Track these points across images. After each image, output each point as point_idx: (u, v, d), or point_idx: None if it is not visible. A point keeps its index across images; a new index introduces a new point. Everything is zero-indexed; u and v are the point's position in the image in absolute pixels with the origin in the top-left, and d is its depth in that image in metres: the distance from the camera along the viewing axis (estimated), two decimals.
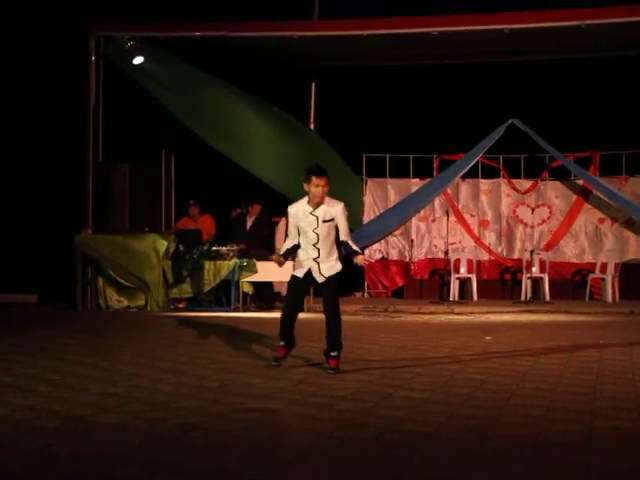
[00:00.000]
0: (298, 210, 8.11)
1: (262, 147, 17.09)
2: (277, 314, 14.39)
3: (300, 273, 8.19)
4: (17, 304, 15.59)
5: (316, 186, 7.98)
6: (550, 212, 18.28)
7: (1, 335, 11.06)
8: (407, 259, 18.54)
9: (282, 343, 8.23)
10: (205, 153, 16.58)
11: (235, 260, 15.11)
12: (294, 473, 4.50)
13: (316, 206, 8.04)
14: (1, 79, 17.61)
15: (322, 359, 8.22)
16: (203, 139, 16.24)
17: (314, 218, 8.03)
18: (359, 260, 8.19)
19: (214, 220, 16.64)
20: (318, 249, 8.06)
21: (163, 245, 15.23)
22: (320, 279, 8.15)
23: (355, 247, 8.23)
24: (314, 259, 8.09)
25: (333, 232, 8.10)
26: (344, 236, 8.14)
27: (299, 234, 8.15)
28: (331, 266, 8.12)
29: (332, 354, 8.05)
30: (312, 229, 8.03)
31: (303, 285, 8.32)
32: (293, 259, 8.42)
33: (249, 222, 16.38)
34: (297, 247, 8.24)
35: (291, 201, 8.44)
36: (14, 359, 8.63)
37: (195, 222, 16.38)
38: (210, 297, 15.46)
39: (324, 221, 8.03)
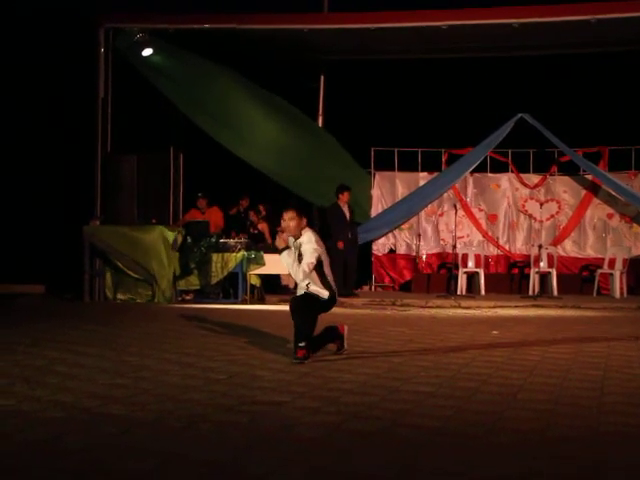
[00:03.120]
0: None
1: (266, 141, 17.07)
2: (283, 307, 14.52)
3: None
4: (24, 295, 15.62)
5: (283, 220, 8.12)
6: (559, 207, 18.23)
7: (8, 326, 11.07)
8: (415, 253, 18.52)
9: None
10: (214, 145, 16.60)
11: (243, 252, 15.10)
12: (300, 466, 4.50)
13: (295, 238, 8.16)
14: (10, 71, 17.64)
15: (328, 353, 8.25)
16: (205, 131, 16.26)
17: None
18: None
19: (222, 212, 16.65)
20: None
21: (171, 237, 15.23)
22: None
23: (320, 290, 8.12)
24: None
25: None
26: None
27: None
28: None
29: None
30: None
31: None
32: None
33: (346, 211, 16.12)
34: None
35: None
36: (21, 350, 8.64)
37: (203, 214, 16.37)
38: (217, 289, 15.46)
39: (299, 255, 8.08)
